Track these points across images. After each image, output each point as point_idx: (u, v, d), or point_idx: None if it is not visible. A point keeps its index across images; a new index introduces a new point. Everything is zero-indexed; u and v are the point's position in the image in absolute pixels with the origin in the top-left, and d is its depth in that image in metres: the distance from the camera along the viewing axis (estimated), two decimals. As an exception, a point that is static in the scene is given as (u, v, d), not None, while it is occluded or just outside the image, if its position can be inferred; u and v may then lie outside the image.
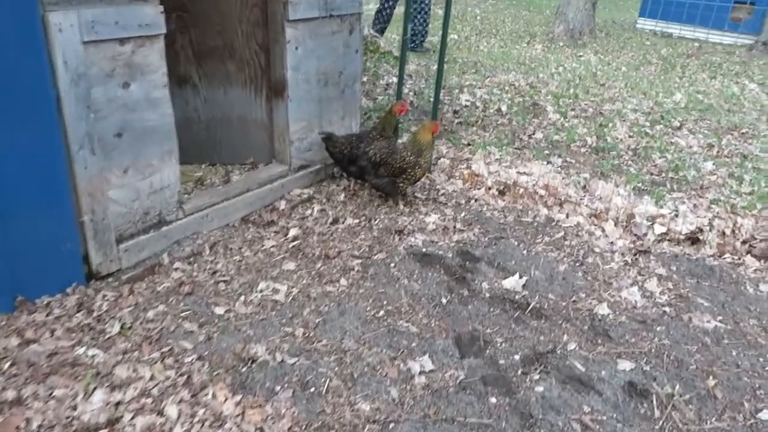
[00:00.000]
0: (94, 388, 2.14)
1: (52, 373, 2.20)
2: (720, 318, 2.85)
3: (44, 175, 2.47)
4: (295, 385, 2.26)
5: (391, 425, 2.12)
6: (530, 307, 2.84)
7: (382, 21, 8.52)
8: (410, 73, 7.19)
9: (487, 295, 2.93)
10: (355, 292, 2.87)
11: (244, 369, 2.32)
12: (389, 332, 2.59)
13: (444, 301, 2.85)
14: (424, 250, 3.28)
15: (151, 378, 2.22)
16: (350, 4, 3.78)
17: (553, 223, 3.69)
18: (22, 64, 2.28)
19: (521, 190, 4.10)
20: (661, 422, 2.21)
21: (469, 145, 4.94)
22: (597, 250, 3.40)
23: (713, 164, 4.84)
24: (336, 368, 2.36)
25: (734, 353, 2.60)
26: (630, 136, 5.45)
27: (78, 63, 2.43)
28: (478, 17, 13.06)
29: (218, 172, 3.84)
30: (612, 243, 3.50)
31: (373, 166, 3.65)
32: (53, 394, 2.10)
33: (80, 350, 2.32)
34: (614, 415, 2.23)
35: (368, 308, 2.75)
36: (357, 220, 3.56)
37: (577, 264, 3.26)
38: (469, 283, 3.01)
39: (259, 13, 3.52)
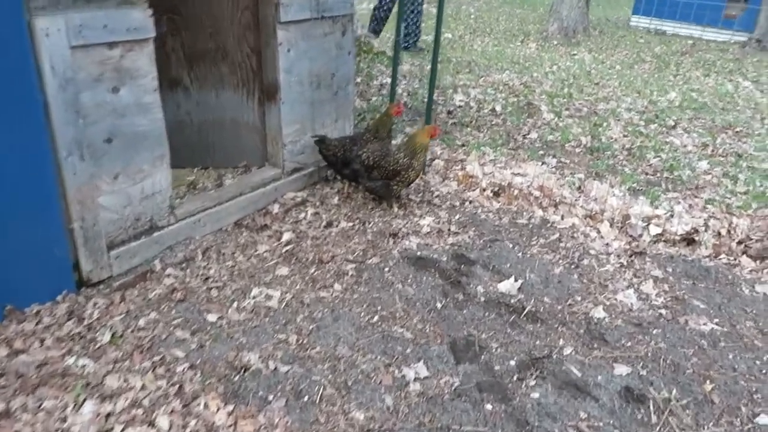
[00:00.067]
0: (84, 399, 2.11)
1: (42, 384, 2.17)
2: (716, 320, 2.84)
3: (32, 183, 2.43)
4: (288, 393, 2.23)
5: (386, 434, 2.10)
6: (526, 311, 2.82)
7: (377, 22, 8.49)
8: (404, 73, 7.17)
9: (482, 299, 2.91)
10: (349, 298, 2.84)
11: (236, 378, 2.29)
12: (383, 338, 2.57)
13: (439, 305, 2.83)
14: (418, 253, 3.26)
15: (142, 388, 2.19)
16: (342, 5, 3.75)
17: (548, 225, 3.67)
18: (8, 70, 2.25)
19: (516, 192, 4.08)
20: (658, 428, 2.20)
21: (463, 145, 4.91)
22: (592, 252, 3.39)
23: (708, 163, 4.83)
24: (330, 376, 2.33)
25: (731, 356, 2.59)
26: (624, 136, 5.44)
27: (66, 68, 2.39)
28: (472, 16, 13.05)
29: (211, 176, 3.81)
30: (607, 244, 3.48)
31: (367, 169, 3.62)
32: (42, 405, 2.07)
33: (70, 360, 2.29)
34: (611, 422, 2.21)
35: (362, 314, 2.73)
36: (351, 224, 3.53)
37: (573, 266, 3.24)
38: (464, 286, 2.99)
39: (250, 15, 3.48)
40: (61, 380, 2.19)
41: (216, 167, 3.89)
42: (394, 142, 4.31)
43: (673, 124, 5.88)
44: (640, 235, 3.60)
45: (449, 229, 3.54)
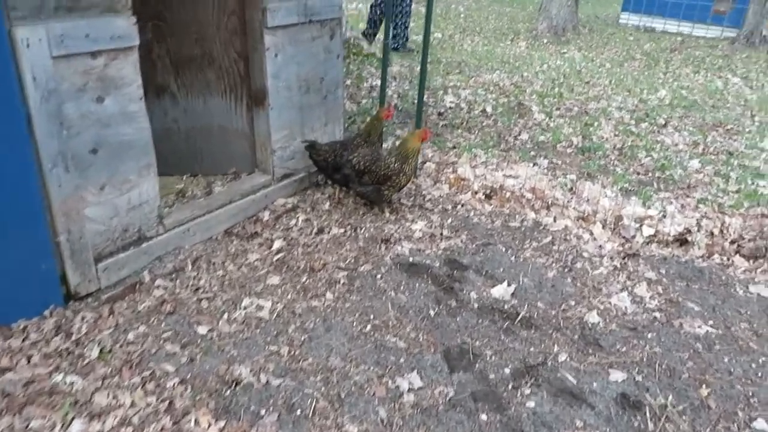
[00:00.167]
0: (72, 418, 2.07)
1: (29, 403, 2.12)
2: (711, 323, 2.82)
3: (16, 196, 2.38)
4: (280, 407, 2.19)
5: (381, 447, 2.07)
6: (519, 317, 2.80)
7: (372, 25, 8.43)
8: (394, 74, 7.14)
9: (476, 305, 2.88)
10: (341, 307, 2.81)
11: (227, 392, 2.25)
12: (376, 348, 2.53)
13: (432, 313, 2.80)
14: (410, 259, 3.23)
15: (132, 405, 2.15)
16: (330, 8, 3.71)
17: (541, 228, 3.65)
18: (-11, 83, 2.20)
19: (508, 194, 4.06)
20: (654, 435, 2.18)
21: (454, 147, 4.89)
22: (585, 254, 3.37)
23: (699, 162, 4.83)
24: (322, 388, 2.30)
25: (726, 360, 2.58)
26: (616, 135, 5.43)
27: (48, 78, 2.34)
28: (462, 15, 13.03)
29: (200, 184, 3.76)
30: (600, 247, 3.46)
31: (357, 174, 3.59)
32: (30, 425, 2.02)
33: (58, 377, 2.24)
34: (607, 430, 2.18)
35: (355, 323, 2.69)
36: (342, 230, 3.50)
37: (566, 270, 3.22)
38: (457, 293, 2.96)
39: (236, 20, 3.44)
40: (49, 398, 2.15)
41: (205, 174, 3.84)
42: (385, 145, 4.28)
43: (663, 122, 5.88)
44: (633, 237, 3.59)
45: (441, 234, 3.51)
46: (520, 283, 3.07)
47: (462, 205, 3.89)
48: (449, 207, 3.86)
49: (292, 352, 2.49)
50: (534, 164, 4.65)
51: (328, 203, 3.81)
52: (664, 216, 3.83)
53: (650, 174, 4.62)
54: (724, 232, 3.65)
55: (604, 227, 3.67)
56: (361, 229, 3.52)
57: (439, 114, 5.79)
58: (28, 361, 2.32)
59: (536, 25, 10.97)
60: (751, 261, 3.38)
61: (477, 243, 3.43)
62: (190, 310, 2.73)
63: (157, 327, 2.59)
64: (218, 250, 3.21)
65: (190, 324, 2.63)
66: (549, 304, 2.92)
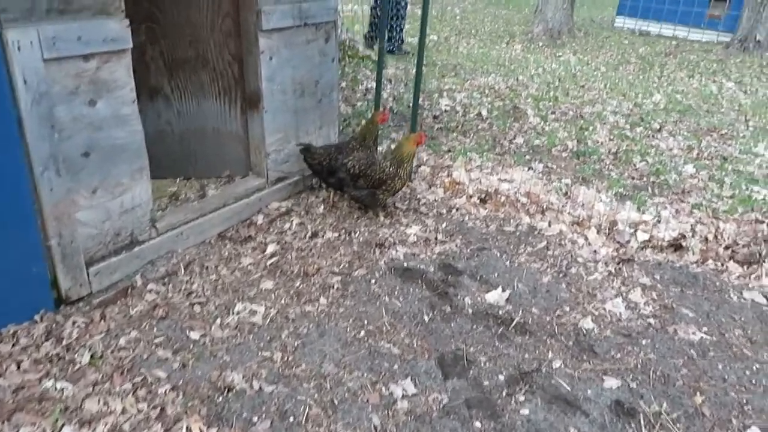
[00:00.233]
0: (62, 425, 2.04)
1: (18, 409, 2.10)
2: (705, 329, 2.82)
3: (7, 199, 2.35)
4: (273, 414, 2.17)
5: (374, 455, 2.05)
6: (514, 323, 2.79)
7: (374, 30, 8.40)
8: (389, 77, 7.12)
9: (470, 311, 2.87)
10: (335, 312, 2.79)
11: (220, 399, 2.23)
12: (370, 354, 2.52)
13: (426, 318, 2.78)
14: (405, 264, 3.21)
15: (123, 412, 2.13)
16: (325, 12, 3.70)
17: (536, 232, 3.64)
18: (-21, 85, 2.18)
19: (503, 198, 4.05)
20: (649, 443, 2.17)
21: (449, 151, 4.88)
22: (580, 260, 3.36)
23: (694, 167, 4.84)
24: (316, 395, 2.28)
25: (720, 366, 2.57)
26: (610, 140, 5.44)
27: (39, 81, 2.32)
28: (458, 17, 13.04)
29: (193, 187, 3.74)
30: (595, 252, 3.46)
31: (352, 177, 3.58)
32: (18, 432, 2.00)
33: (48, 383, 2.22)
34: (601, 437, 2.18)
35: (348, 329, 2.68)
36: (337, 234, 3.48)
37: (561, 275, 3.21)
38: (451, 298, 2.95)
39: (231, 22, 3.42)
40: (39, 405, 2.12)
41: (198, 177, 3.82)
42: (380, 148, 4.27)
43: (658, 127, 5.89)
44: (628, 242, 3.59)
45: (436, 238, 3.50)
46: (515, 288, 3.06)
47: (457, 210, 3.89)
48: (444, 211, 3.85)
49: (286, 358, 2.47)
50: (529, 168, 4.64)
51: (322, 207, 3.79)
52: (659, 221, 3.83)
53: (645, 179, 4.62)
54: (719, 237, 3.65)
55: (598, 232, 3.66)
56: (355, 233, 3.51)
57: (435, 117, 5.79)
58: (18, 367, 2.29)
59: (532, 28, 10.99)
60: (745, 267, 3.38)
61: (471, 248, 3.42)
62: (182, 315, 2.70)
63: (149, 332, 2.57)
64: (211, 254, 3.19)
65: (182, 329, 2.60)
66: (543, 309, 2.91)
